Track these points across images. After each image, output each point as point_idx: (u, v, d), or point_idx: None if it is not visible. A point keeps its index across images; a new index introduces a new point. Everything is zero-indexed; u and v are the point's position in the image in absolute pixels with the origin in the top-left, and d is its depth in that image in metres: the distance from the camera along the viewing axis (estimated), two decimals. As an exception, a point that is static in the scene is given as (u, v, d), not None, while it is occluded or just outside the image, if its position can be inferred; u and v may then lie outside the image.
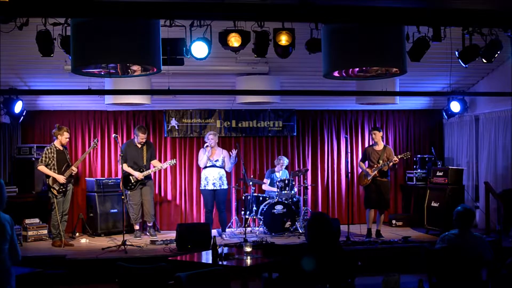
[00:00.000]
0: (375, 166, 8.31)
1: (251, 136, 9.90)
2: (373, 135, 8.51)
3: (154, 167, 8.62)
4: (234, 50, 6.19)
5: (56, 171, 7.75)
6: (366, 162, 8.51)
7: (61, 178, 7.73)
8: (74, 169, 7.94)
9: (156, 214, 9.21)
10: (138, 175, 8.35)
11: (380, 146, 8.46)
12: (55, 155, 7.78)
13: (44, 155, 7.77)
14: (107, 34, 5.13)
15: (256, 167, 9.92)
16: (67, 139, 7.96)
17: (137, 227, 8.55)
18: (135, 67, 5.85)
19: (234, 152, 8.52)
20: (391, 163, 8.27)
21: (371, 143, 9.04)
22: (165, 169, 9.47)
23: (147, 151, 8.53)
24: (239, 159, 9.12)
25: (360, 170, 8.76)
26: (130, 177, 8.38)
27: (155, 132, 9.62)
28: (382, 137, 8.65)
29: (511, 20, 5.81)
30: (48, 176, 7.76)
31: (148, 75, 6.40)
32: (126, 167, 8.35)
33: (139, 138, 8.46)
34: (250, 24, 6.05)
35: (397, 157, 8.29)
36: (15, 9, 5.05)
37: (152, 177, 8.82)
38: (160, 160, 9.12)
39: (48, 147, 7.85)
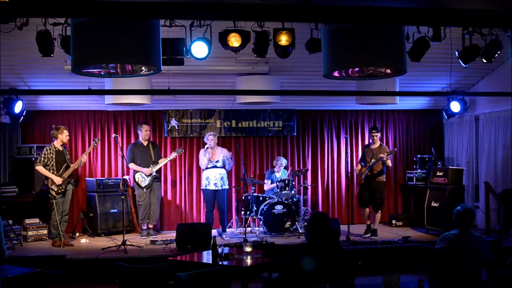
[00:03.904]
0: (368, 165, 8.38)
1: (251, 136, 9.89)
2: (374, 136, 8.53)
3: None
4: (234, 50, 6.19)
5: (55, 172, 7.75)
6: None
7: (58, 180, 7.72)
8: (84, 158, 8.03)
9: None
10: (147, 170, 8.44)
11: (376, 145, 8.53)
12: (54, 156, 7.78)
13: (43, 155, 7.77)
14: (107, 34, 5.13)
15: (256, 167, 9.92)
16: (68, 137, 7.97)
17: (144, 226, 8.62)
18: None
19: (229, 154, 8.52)
20: (381, 161, 8.30)
21: (369, 142, 9.06)
22: (166, 170, 9.48)
23: (153, 149, 8.68)
24: (239, 159, 9.13)
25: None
26: (142, 175, 8.45)
27: (155, 132, 9.62)
28: (381, 137, 8.69)
29: (511, 20, 5.81)
30: (46, 177, 7.76)
31: (149, 75, 6.40)
32: (133, 166, 8.52)
33: (144, 132, 8.62)
34: (250, 24, 6.05)
35: (384, 154, 8.27)
36: (15, 9, 5.05)
37: (163, 180, 9.07)
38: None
39: (47, 147, 7.86)
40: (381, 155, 8.24)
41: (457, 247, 4.68)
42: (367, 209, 8.61)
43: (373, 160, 8.34)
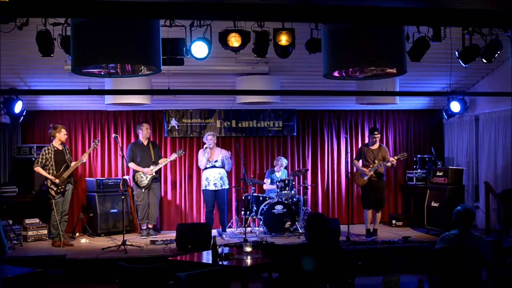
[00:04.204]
0: (371, 166, 8.33)
1: (251, 136, 9.89)
2: (377, 137, 8.44)
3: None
4: (234, 50, 6.19)
5: (55, 172, 7.75)
6: (361, 161, 8.53)
7: (56, 180, 7.72)
8: (84, 158, 8.04)
9: (156, 214, 9.23)
10: (147, 170, 8.43)
11: (375, 145, 8.48)
12: (52, 156, 7.78)
13: (41, 156, 7.77)
14: (107, 34, 5.13)
15: (256, 167, 9.92)
16: (66, 136, 7.97)
17: (144, 226, 8.63)
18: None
19: (228, 153, 8.51)
20: (389, 163, 8.30)
21: (366, 142, 9.01)
22: (166, 170, 9.48)
23: (154, 149, 8.68)
24: (239, 159, 9.13)
25: (355, 169, 8.74)
26: (142, 175, 8.44)
27: (155, 132, 9.62)
28: (381, 137, 8.66)
29: (511, 20, 5.81)
30: (46, 177, 7.76)
31: (149, 75, 6.40)
32: (133, 165, 8.51)
33: (144, 130, 8.65)
34: (250, 24, 6.05)
35: (394, 158, 8.31)
36: (15, 9, 5.04)
37: (163, 180, 9.09)
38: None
39: (45, 148, 7.85)
40: (391, 158, 8.28)
41: (457, 247, 4.68)
42: (370, 212, 8.52)
43: (377, 162, 8.30)
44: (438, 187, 8.83)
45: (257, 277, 5.51)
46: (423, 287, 3.83)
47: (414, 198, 9.97)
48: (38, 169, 7.75)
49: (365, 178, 8.37)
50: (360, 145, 10.14)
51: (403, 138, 10.44)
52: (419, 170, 9.78)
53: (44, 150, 7.81)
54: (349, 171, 8.66)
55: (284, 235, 8.32)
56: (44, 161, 7.73)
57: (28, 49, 6.67)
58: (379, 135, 8.51)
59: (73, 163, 7.98)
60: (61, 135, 7.88)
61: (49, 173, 7.73)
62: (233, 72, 8.44)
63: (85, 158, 8.13)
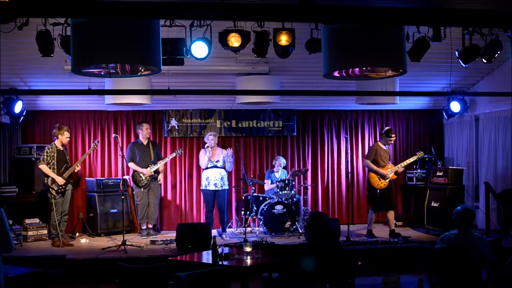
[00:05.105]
0: (390, 166, 8.25)
1: (251, 136, 9.89)
2: (392, 139, 8.28)
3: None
4: (234, 50, 6.19)
5: (56, 171, 7.75)
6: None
7: (60, 180, 7.72)
8: (78, 167, 8.02)
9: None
10: (146, 171, 8.43)
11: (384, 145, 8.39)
12: (55, 155, 7.79)
13: (45, 154, 7.77)
14: (107, 34, 5.13)
15: (256, 167, 9.92)
16: (68, 139, 7.97)
17: (144, 226, 8.63)
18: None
19: (229, 151, 8.50)
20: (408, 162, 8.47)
21: (378, 140, 8.84)
22: (166, 170, 9.47)
23: (153, 149, 8.68)
24: (239, 159, 9.13)
25: (366, 169, 8.58)
26: (141, 174, 8.46)
27: (155, 132, 9.62)
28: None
29: (511, 20, 5.81)
30: (47, 176, 7.76)
31: (149, 75, 6.40)
32: (133, 165, 8.50)
33: (144, 130, 8.65)
34: (250, 24, 6.05)
35: (416, 156, 8.47)
36: (15, 9, 5.05)
37: (163, 180, 9.12)
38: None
39: (49, 146, 7.86)
40: (415, 158, 8.44)
41: (457, 247, 4.68)
42: (374, 213, 8.45)
43: (405, 163, 8.42)
44: (438, 187, 8.83)
45: (257, 277, 5.51)
46: (423, 287, 3.83)
47: (414, 198, 9.97)
48: (43, 166, 7.74)
49: (387, 180, 8.21)
50: (360, 145, 10.17)
51: (403, 138, 10.44)
52: (419, 170, 9.78)
53: (48, 149, 7.81)
54: (349, 171, 8.64)
55: (284, 235, 8.32)
56: (48, 159, 7.74)
57: (28, 49, 6.66)
58: (395, 137, 8.40)
59: (73, 165, 7.99)
60: (63, 137, 7.87)
61: (50, 173, 7.76)
62: (233, 72, 8.44)
63: (81, 161, 8.20)
